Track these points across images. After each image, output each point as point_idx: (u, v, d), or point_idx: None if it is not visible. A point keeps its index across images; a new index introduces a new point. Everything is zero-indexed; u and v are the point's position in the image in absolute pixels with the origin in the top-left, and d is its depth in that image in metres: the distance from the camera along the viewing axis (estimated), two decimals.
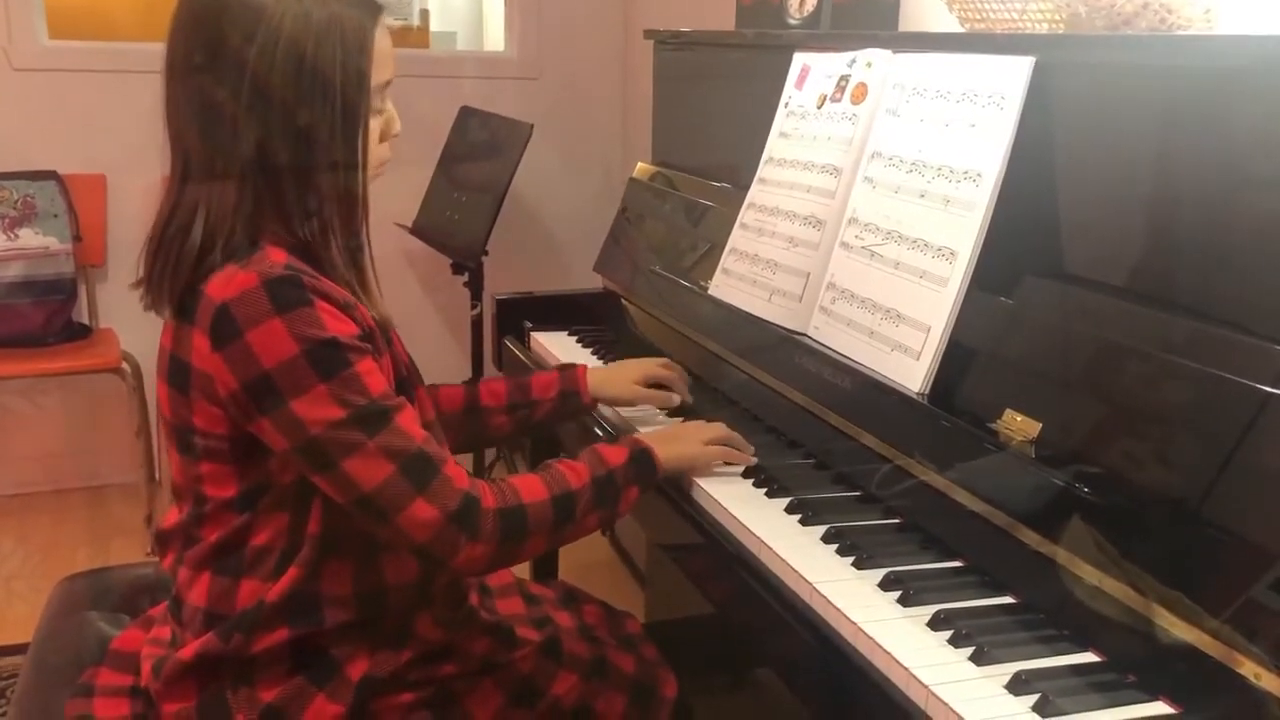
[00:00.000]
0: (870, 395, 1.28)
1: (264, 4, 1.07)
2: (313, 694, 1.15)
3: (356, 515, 1.09)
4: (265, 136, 1.08)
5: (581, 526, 1.20)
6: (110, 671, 1.25)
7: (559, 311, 2.03)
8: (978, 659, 0.96)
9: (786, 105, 1.61)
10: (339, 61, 1.09)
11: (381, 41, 1.13)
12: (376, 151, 1.17)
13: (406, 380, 1.21)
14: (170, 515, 1.22)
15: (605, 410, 1.56)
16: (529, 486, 1.16)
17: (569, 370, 1.51)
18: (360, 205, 1.15)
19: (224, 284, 1.06)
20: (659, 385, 1.56)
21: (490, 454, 3.08)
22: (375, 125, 1.16)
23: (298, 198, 1.12)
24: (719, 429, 1.36)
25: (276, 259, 1.08)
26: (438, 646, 1.23)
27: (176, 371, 1.12)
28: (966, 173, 1.23)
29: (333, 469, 1.06)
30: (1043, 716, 0.89)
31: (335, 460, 1.06)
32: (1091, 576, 0.97)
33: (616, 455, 1.24)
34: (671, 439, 1.33)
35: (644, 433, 1.36)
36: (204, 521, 1.16)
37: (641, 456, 1.26)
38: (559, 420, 1.52)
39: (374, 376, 1.08)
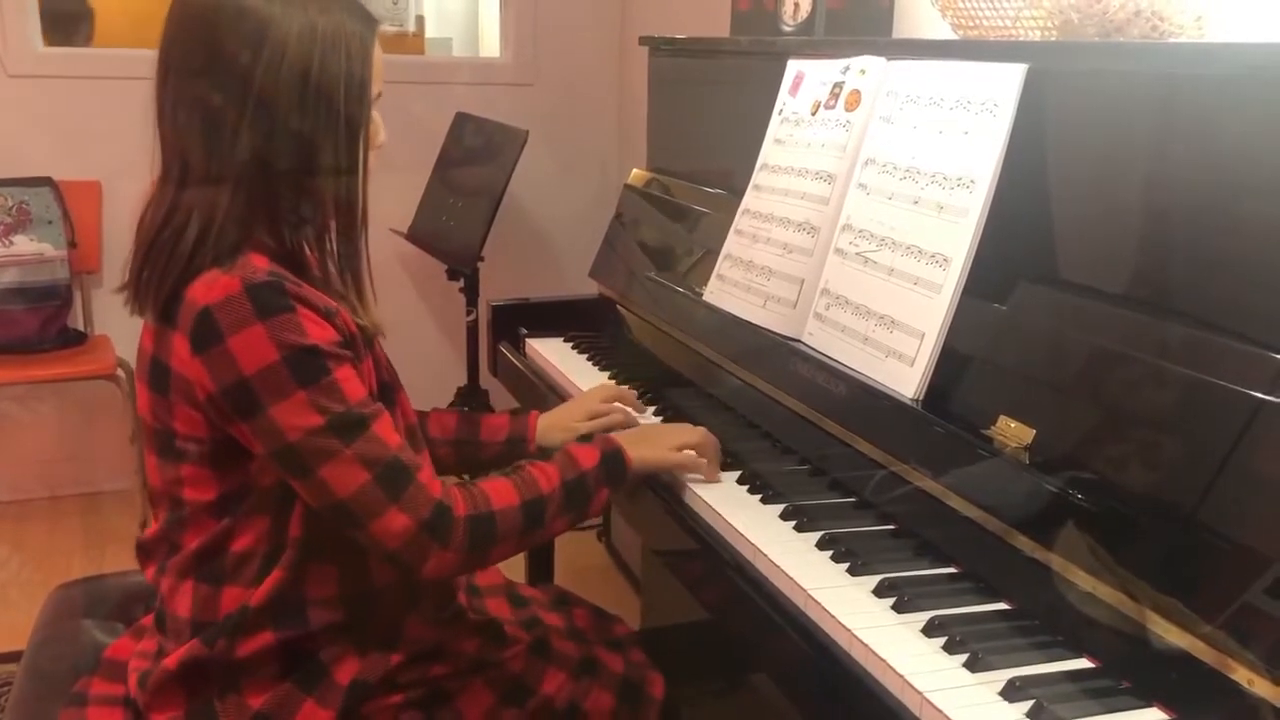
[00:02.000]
0: (865, 401, 1.29)
1: (271, 13, 1.07)
2: (302, 699, 1.15)
3: (331, 520, 1.10)
4: (268, 143, 1.09)
5: (550, 530, 1.21)
6: (103, 681, 1.25)
7: (555, 318, 2.03)
8: (972, 665, 0.96)
9: (781, 112, 1.61)
10: (344, 71, 1.10)
11: (377, 53, 1.15)
12: None
13: (388, 384, 1.22)
14: (151, 526, 1.22)
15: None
16: (500, 492, 1.16)
17: (520, 417, 1.51)
18: (359, 214, 1.15)
19: (207, 288, 1.06)
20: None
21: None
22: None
23: (295, 205, 1.13)
24: (694, 435, 1.35)
25: (259, 265, 1.08)
26: (427, 647, 1.23)
27: (157, 374, 1.12)
28: (960, 179, 1.24)
29: (309, 475, 1.07)
30: None
31: (312, 467, 1.06)
32: (1085, 582, 0.97)
33: (589, 457, 1.25)
34: (644, 440, 1.33)
35: (619, 432, 1.36)
36: (184, 527, 1.16)
37: (613, 457, 1.26)
38: (507, 464, 1.49)
39: (352, 383, 1.09)
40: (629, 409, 1.54)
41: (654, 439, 1.34)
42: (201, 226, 1.09)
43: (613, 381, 1.74)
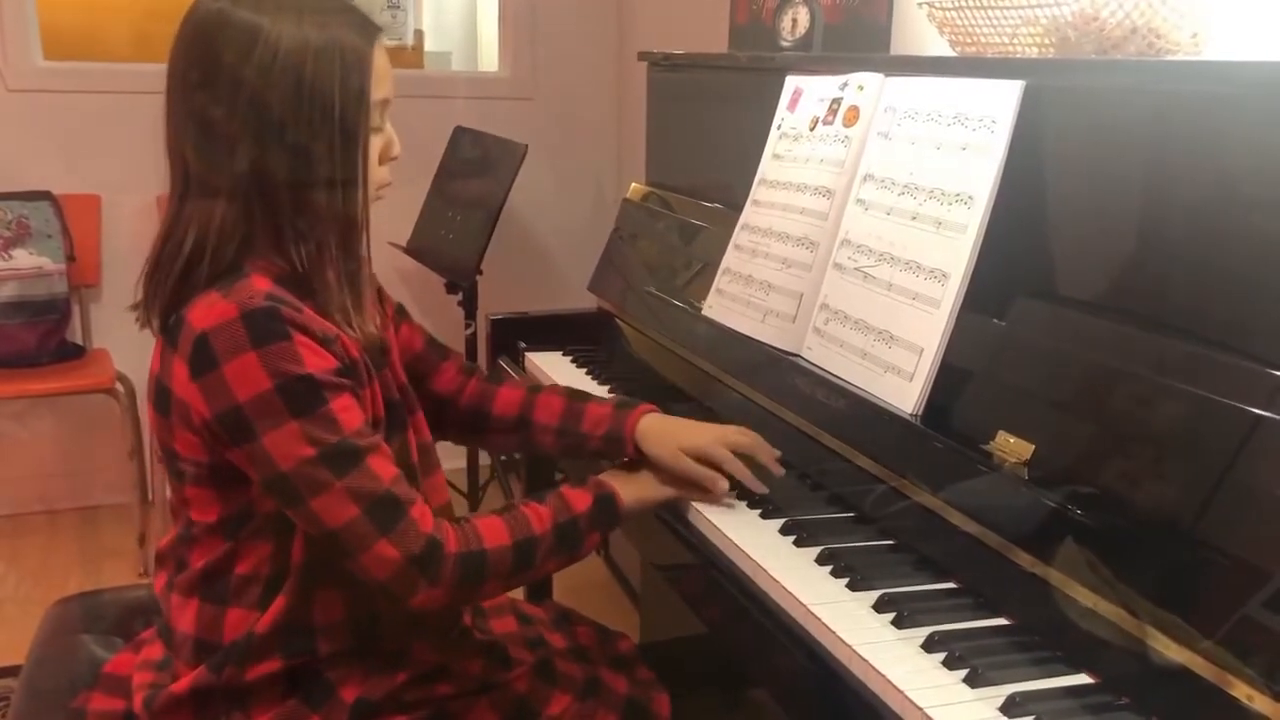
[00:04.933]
0: (864, 416, 1.29)
1: (262, 24, 1.07)
2: (307, 717, 1.15)
3: (325, 548, 1.09)
4: (262, 155, 1.08)
5: (540, 571, 1.19)
6: (103, 695, 1.25)
7: (553, 331, 2.03)
8: (972, 681, 0.96)
9: (779, 127, 1.62)
10: (338, 81, 1.09)
11: (379, 60, 1.13)
12: (376, 174, 1.17)
13: (399, 404, 1.21)
14: (169, 534, 1.22)
15: None
16: (492, 530, 1.15)
17: (623, 412, 1.35)
18: (360, 227, 1.14)
19: (205, 312, 1.06)
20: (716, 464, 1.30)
21: (484, 473, 3.08)
22: (375, 144, 1.15)
23: (294, 219, 1.11)
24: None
25: (259, 287, 1.07)
26: (432, 667, 1.22)
27: (160, 396, 1.12)
28: (958, 195, 1.24)
29: (301, 504, 1.06)
30: None
31: (303, 497, 1.06)
32: (1085, 598, 0.97)
33: (581, 500, 1.22)
34: (635, 479, 1.30)
35: (608, 470, 1.33)
36: (192, 545, 1.16)
37: (605, 502, 1.23)
38: (608, 459, 1.37)
39: (349, 413, 1.08)
40: (745, 476, 1.31)
41: (645, 476, 1.31)
42: (197, 240, 1.09)
43: (606, 390, 1.73)
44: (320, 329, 1.09)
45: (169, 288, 1.10)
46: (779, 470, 1.34)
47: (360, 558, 1.07)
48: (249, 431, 1.05)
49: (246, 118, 1.07)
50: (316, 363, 1.06)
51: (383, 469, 1.09)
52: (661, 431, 1.33)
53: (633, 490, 1.28)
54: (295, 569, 1.13)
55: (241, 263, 1.09)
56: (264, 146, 1.08)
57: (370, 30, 1.13)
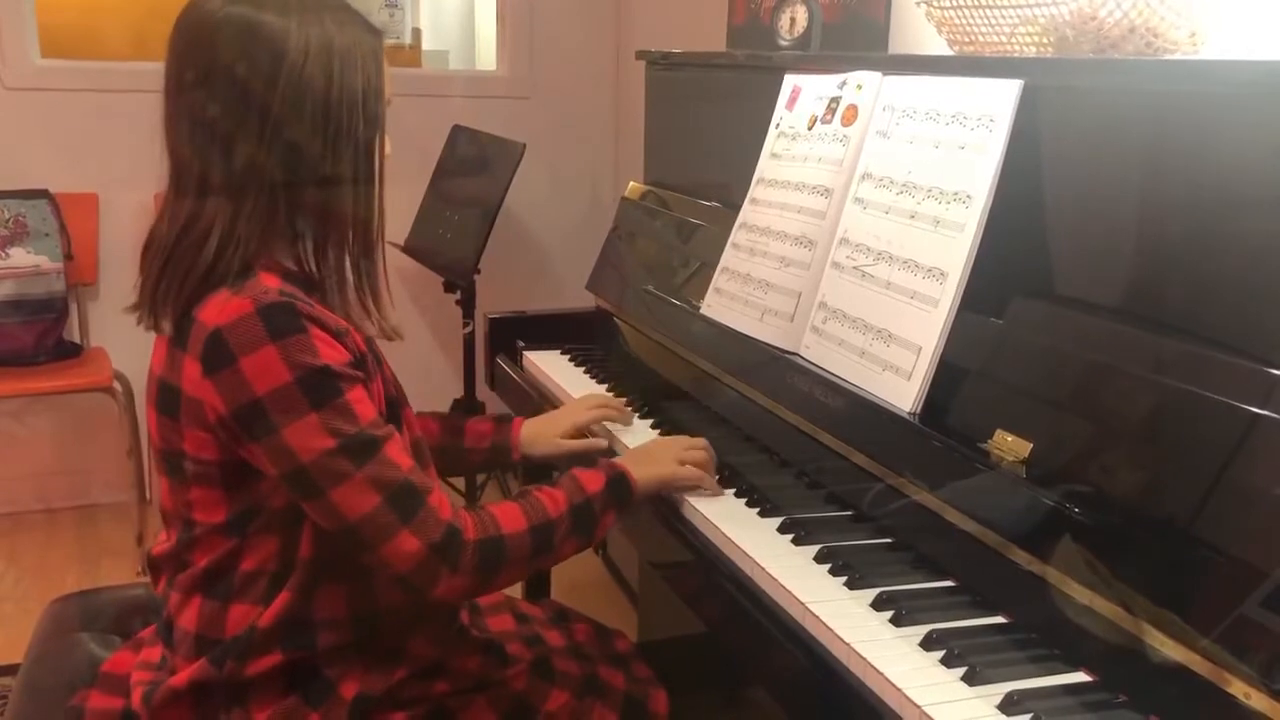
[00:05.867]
0: (862, 415, 1.29)
1: (287, 27, 1.07)
2: (306, 714, 1.15)
3: (342, 542, 1.10)
4: (288, 157, 1.08)
5: (558, 554, 1.21)
6: (101, 694, 1.25)
7: (551, 330, 2.04)
8: (970, 679, 0.96)
9: (777, 126, 1.62)
10: (361, 84, 1.11)
11: (385, 63, 1.16)
12: None
13: (396, 400, 1.21)
14: (160, 541, 1.22)
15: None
16: (509, 516, 1.16)
17: (504, 424, 1.51)
18: (377, 225, 1.16)
19: (218, 310, 1.06)
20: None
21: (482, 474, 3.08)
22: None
23: (314, 219, 1.13)
24: (694, 447, 1.36)
25: (269, 284, 1.08)
26: (430, 664, 1.23)
27: (166, 398, 1.12)
28: (956, 194, 1.24)
29: (320, 497, 1.07)
30: None
31: (323, 489, 1.06)
32: (1083, 596, 0.98)
33: (594, 481, 1.24)
34: (647, 459, 1.33)
35: (621, 454, 1.35)
36: (194, 546, 1.15)
37: (618, 481, 1.25)
38: (492, 470, 1.51)
39: (364, 405, 1.09)
40: (616, 424, 1.56)
41: (658, 456, 1.34)
42: (221, 238, 1.08)
43: (605, 389, 1.75)
44: (333, 322, 1.10)
45: (190, 282, 1.09)
46: (629, 422, 1.60)
47: (381, 549, 1.08)
48: (268, 425, 1.05)
49: (274, 122, 1.07)
50: (332, 355, 1.07)
51: (400, 458, 1.10)
52: (537, 434, 1.51)
53: (644, 469, 1.29)
54: (301, 564, 1.13)
55: (252, 261, 1.10)
56: (289, 149, 1.08)
57: (379, 32, 1.15)
